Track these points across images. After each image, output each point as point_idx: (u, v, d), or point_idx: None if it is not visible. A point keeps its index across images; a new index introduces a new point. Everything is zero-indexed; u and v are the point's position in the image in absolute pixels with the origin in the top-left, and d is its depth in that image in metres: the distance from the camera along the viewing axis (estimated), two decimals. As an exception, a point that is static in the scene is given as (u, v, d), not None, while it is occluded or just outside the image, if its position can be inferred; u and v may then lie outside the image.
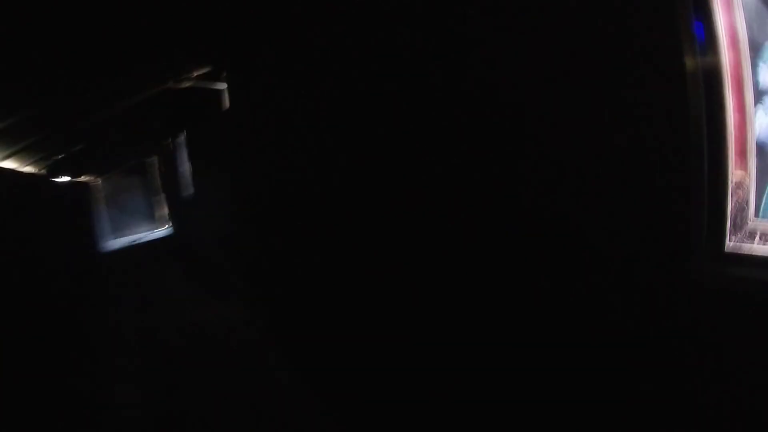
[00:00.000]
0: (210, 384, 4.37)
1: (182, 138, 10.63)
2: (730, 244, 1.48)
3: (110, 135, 8.65)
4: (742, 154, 1.45)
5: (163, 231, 20.08)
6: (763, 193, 1.47)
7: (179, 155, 11.64)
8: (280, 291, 5.45)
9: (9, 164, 5.88)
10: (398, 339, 3.08)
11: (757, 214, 1.48)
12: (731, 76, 1.43)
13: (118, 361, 5.33)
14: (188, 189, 11.12)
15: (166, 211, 20.72)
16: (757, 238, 1.45)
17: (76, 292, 8.37)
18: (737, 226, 1.48)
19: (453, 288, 2.54)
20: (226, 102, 6.05)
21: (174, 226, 17.48)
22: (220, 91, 6.08)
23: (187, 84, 5.78)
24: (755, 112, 1.45)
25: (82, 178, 14.72)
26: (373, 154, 3.03)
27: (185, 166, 11.08)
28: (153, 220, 21.41)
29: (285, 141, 4.50)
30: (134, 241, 18.26)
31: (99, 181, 19.04)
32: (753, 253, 1.41)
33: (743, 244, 1.47)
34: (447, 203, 2.45)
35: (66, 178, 11.21)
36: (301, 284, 4.81)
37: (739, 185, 1.46)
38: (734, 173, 1.46)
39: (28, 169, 7.67)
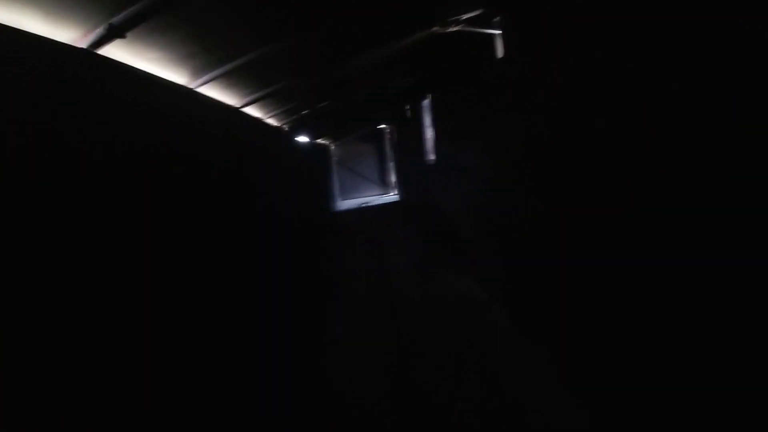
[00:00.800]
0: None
1: (426, 103, 9.87)
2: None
3: (352, 96, 8.22)
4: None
5: (391, 197, 20.39)
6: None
7: (417, 123, 11.02)
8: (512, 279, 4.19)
9: (252, 110, 5.67)
10: None
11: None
12: None
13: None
14: (424, 158, 10.44)
15: (394, 178, 21.01)
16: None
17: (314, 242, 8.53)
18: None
19: None
20: (496, 53, 4.85)
21: (402, 193, 17.41)
22: (488, 40, 4.89)
23: (453, 28, 4.75)
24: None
25: (320, 140, 15.25)
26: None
27: (424, 135, 10.43)
28: (381, 187, 21.91)
29: (567, 107, 3.13)
30: (363, 204, 18.77)
31: (333, 145, 19.95)
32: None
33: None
34: None
35: (305, 137, 11.44)
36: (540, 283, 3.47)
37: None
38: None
39: (270, 120, 7.60)
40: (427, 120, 10.19)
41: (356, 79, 6.50)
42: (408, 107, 12.25)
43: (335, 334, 5.05)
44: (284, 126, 7.61)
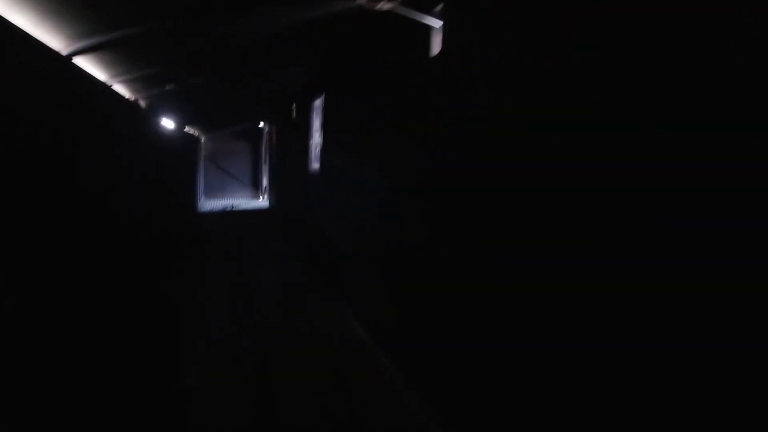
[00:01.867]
0: None
1: (317, 103, 8.66)
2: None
3: (233, 77, 6.81)
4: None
5: (260, 202, 18.72)
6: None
7: (304, 126, 9.77)
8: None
9: (89, 65, 4.10)
10: None
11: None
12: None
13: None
14: (307, 166, 9.20)
15: (266, 182, 19.40)
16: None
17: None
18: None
19: None
20: (429, 49, 3.85)
21: (273, 200, 15.90)
22: (422, 31, 3.90)
23: (385, 5, 3.66)
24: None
25: (190, 130, 13.34)
26: None
27: (310, 141, 9.25)
28: (252, 190, 20.13)
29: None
30: (229, 207, 16.94)
31: (204, 137, 17.89)
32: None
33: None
34: None
35: (170, 122, 9.67)
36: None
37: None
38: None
39: (119, 87, 5.94)
40: (317, 123, 9.01)
41: (242, 53, 5.17)
42: (294, 106, 10.97)
43: (186, 385, 3.68)
44: (140, 99, 5.97)
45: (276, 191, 15.12)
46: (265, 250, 9.79)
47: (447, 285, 3.31)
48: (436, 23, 3.74)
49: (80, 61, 3.69)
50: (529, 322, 2.39)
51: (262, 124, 18.08)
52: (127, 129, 5.57)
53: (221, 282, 6.99)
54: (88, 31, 3.33)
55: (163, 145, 8.92)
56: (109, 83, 4.59)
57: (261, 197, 19.72)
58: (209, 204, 17.70)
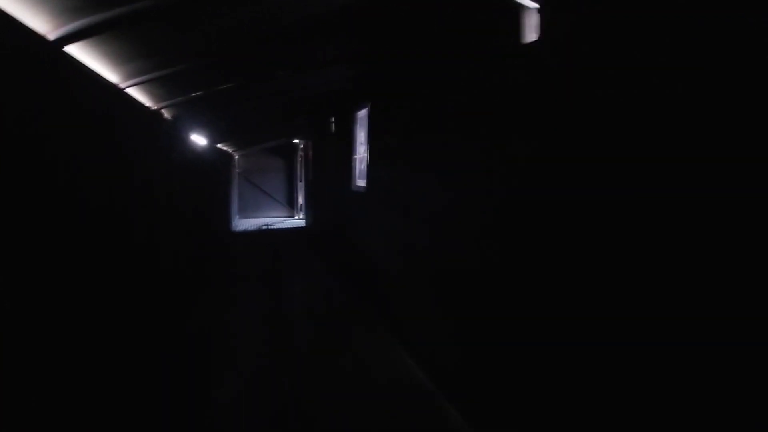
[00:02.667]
0: None
1: (362, 113, 7.76)
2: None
3: (265, 79, 5.97)
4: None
5: (296, 221, 17.92)
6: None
7: (345, 139, 8.89)
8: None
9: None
10: None
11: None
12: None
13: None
14: (349, 182, 8.29)
15: (302, 200, 18.62)
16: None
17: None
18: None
19: None
20: (522, 35, 2.89)
21: (310, 218, 15.05)
22: (510, 12, 2.93)
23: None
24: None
25: (223, 147, 12.63)
26: None
27: (353, 155, 8.37)
28: (287, 208, 19.38)
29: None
30: (264, 226, 16.18)
31: (238, 154, 17.26)
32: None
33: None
34: None
35: (201, 138, 8.93)
36: None
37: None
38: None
39: (165, 111, 5.19)
40: (361, 136, 8.10)
41: (275, 45, 4.30)
42: (333, 119, 10.12)
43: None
44: (162, 109, 5.14)
45: (313, 209, 14.29)
46: (303, 271, 8.95)
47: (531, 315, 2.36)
48: (530, 3, 2.77)
49: (75, 51, 2.83)
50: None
51: (297, 140, 17.36)
52: (148, 144, 4.74)
53: (256, 313, 6.11)
54: (82, 6, 2.46)
55: (194, 162, 8.15)
56: (121, 85, 3.75)
57: (297, 215, 18.95)
58: (244, 223, 17.00)
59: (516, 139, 2.83)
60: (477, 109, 3.30)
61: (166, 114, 5.36)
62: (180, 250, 6.21)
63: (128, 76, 3.68)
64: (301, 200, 18.84)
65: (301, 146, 17.91)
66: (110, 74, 3.51)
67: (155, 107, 4.90)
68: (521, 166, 2.76)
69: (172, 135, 5.83)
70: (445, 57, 3.87)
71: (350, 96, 7.95)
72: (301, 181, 18.64)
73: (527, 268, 2.69)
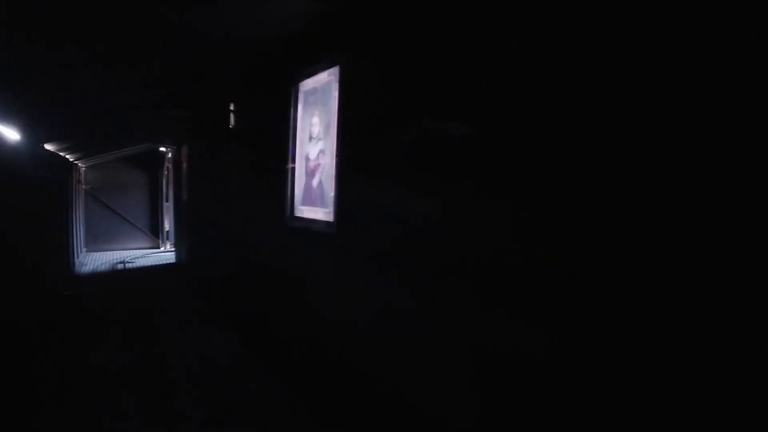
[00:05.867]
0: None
1: (306, 85, 4.65)
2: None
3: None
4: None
5: (163, 254, 13.91)
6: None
7: (279, 128, 5.74)
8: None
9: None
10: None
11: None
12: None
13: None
14: (276, 202, 5.14)
15: (169, 226, 14.64)
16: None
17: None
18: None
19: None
20: None
21: (183, 252, 11.34)
22: None
23: None
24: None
25: (54, 148, 8.59)
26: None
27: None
28: (150, 237, 15.22)
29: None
30: (121, 262, 12.10)
31: (84, 165, 12.96)
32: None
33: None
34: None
35: (13, 132, 5.28)
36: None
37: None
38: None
39: None
40: (313, 124, 4.98)
41: None
42: (233, 106, 6.89)
43: None
44: None
45: (188, 239, 10.66)
46: (182, 339, 5.59)
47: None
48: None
49: None
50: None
51: (164, 148, 13.52)
52: None
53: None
54: None
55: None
56: None
57: (163, 246, 14.92)
58: (93, 259, 12.71)
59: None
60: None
61: None
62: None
63: None
64: (167, 226, 14.87)
65: (169, 155, 14.07)
66: None
67: None
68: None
69: None
70: None
71: (287, 52, 4.85)
72: (167, 201, 14.71)
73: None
